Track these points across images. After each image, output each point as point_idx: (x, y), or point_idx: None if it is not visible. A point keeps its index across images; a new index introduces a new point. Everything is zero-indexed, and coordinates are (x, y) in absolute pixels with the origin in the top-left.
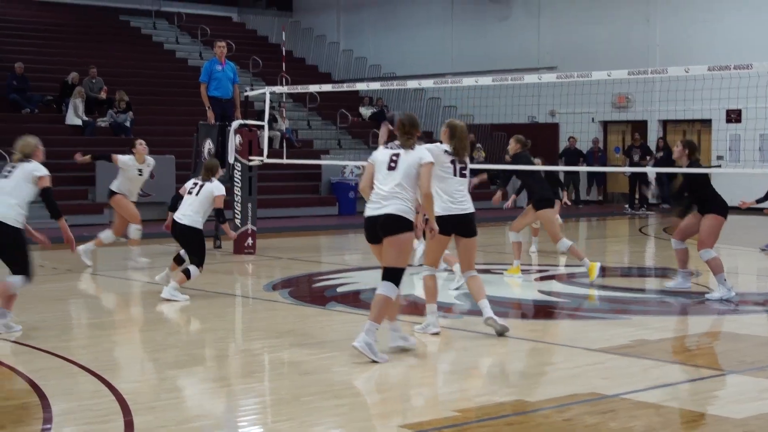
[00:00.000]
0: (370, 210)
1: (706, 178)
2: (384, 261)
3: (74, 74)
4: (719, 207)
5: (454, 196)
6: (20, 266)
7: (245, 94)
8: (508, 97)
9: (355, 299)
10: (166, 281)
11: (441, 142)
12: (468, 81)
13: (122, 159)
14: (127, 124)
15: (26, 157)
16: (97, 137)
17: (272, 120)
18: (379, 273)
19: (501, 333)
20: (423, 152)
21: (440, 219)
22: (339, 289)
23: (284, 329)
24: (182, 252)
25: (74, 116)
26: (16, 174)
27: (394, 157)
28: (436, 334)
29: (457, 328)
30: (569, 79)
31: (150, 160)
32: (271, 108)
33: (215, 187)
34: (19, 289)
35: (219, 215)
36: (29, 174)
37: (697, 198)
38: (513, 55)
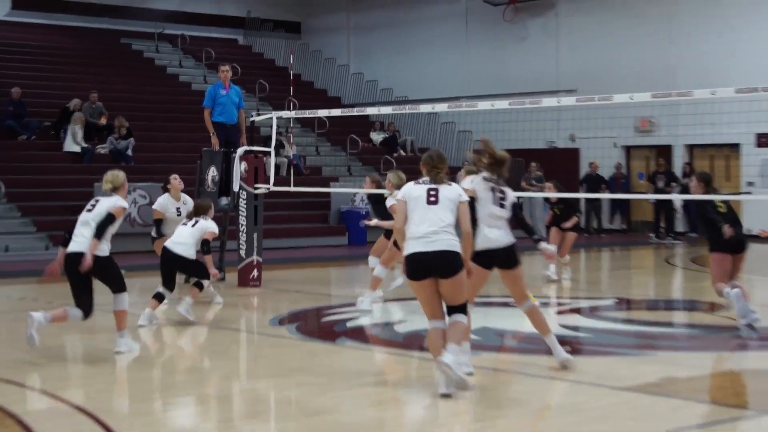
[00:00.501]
0: (419, 246)
1: (706, 210)
2: (448, 300)
3: (76, 101)
4: (716, 243)
5: (493, 227)
6: (117, 285)
7: (251, 119)
8: (526, 121)
9: (366, 334)
10: (150, 320)
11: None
12: (484, 105)
13: (159, 203)
14: (129, 151)
15: (113, 190)
16: (96, 165)
17: (279, 146)
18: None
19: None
20: (460, 189)
21: (479, 253)
22: (349, 324)
23: (291, 366)
24: (161, 289)
25: (73, 143)
26: (100, 208)
27: (432, 192)
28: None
29: (475, 366)
30: (589, 103)
31: (187, 198)
32: (278, 134)
33: (210, 225)
34: (126, 305)
35: (204, 245)
36: (111, 206)
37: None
38: (530, 78)
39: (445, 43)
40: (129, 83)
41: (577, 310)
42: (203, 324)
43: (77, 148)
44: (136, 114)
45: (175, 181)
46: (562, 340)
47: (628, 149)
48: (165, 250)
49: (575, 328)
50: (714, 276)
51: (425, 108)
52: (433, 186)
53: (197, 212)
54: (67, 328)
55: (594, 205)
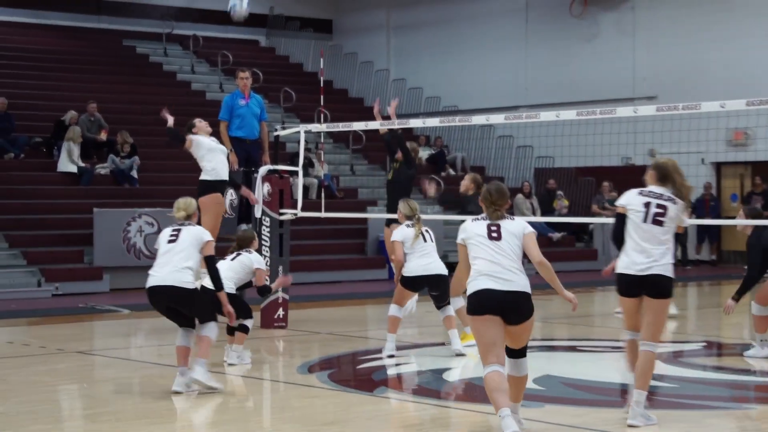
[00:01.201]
0: (487, 282)
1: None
2: (516, 344)
3: (72, 113)
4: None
5: (645, 250)
6: (206, 316)
7: (275, 133)
8: (597, 134)
9: (409, 384)
10: (238, 358)
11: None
12: (547, 115)
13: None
14: (133, 172)
15: (188, 218)
16: (95, 187)
17: (308, 165)
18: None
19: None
20: (524, 222)
21: (623, 277)
22: (390, 372)
23: (323, 420)
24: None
25: (68, 162)
26: (184, 237)
27: (493, 227)
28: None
29: (538, 420)
30: (672, 112)
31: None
32: (307, 150)
33: (255, 259)
34: (215, 333)
35: (264, 290)
36: (198, 239)
37: None
38: (602, 83)
39: (501, 44)
40: (133, 92)
41: (657, 356)
42: (220, 372)
43: (73, 168)
44: (141, 128)
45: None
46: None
47: (719, 166)
48: (203, 288)
49: (655, 377)
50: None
51: (478, 119)
52: (491, 222)
53: (239, 245)
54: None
55: (677, 233)
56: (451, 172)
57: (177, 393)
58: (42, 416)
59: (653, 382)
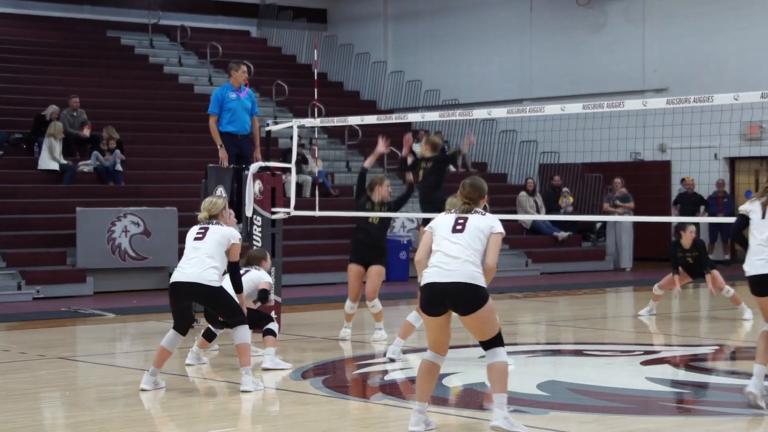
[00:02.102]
0: (434, 276)
1: None
2: (479, 336)
3: (54, 108)
4: None
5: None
6: (233, 314)
7: (267, 128)
8: (605, 128)
9: (408, 389)
10: (197, 359)
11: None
12: (552, 109)
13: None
14: (118, 167)
15: (212, 218)
16: (78, 185)
17: (302, 161)
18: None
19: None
20: (495, 221)
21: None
22: (388, 377)
23: (318, 428)
24: (211, 327)
25: (49, 159)
26: (211, 236)
27: (461, 220)
28: None
29: (542, 427)
30: (684, 105)
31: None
32: (300, 146)
33: (263, 276)
34: (247, 338)
35: (262, 294)
36: (225, 238)
37: None
38: (610, 75)
39: (504, 34)
40: (118, 86)
41: (668, 360)
42: (209, 378)
43: (55, 166)
44: (126, 123)
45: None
46: (648, 399)
47: (733, 161)
48: None
49: (665, 382)
50: None
51: (480, 113)
52: (462, 215)
53: (249, 262)
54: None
55: None
56: (452, 168)
57: (144, 390)
58: (22, 426)
59: (663, 388)
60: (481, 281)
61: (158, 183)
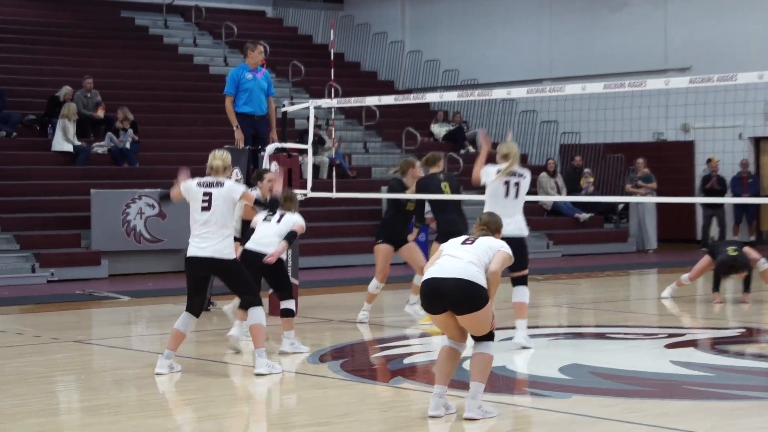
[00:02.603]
0: (433, 272)
1: None
2: (472, 332)
3: (67, 89)
4: None
5: None
6: (244, 290)
7: (283, 109)
8: (626, 108)
9: (427, 373)
10: (239, 337)
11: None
12: (572, 88)
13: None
14: (131, 148)
15: (225, 170)
16: (92, 167)
17: (318, 142)
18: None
19: None
20: (506, 245)
21: None
22: (407, 360)
23: (336, 412)
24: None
25: (63, 141)
26: (217, 204)
27: (472, 238)
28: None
29: (564, 411)
30: (707, 84)
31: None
32: (317, 127)
33: (298, 219)
34: (263, 317)
35: (291, 236)
36: (229, 199)
37: None
38: (632, 55)
39: (524, 13)
40: (132, 66)
41: (692, 343)
42: (227, 361)
43: (69, 147)
44: (140, 104)
45: (270, 183)
46: (672, 382)
47: (757, 141)
48: (246, 252)
49: (690, 365)
50: None
51: (499, 93)
52: (473, 237)
53: (286, 206)
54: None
55: (715, 211)
56: (471, 149)
57: (160, 374)
58: (37, 410)
59: (688, 371)
60: (483, 282)
61: (173, 164)
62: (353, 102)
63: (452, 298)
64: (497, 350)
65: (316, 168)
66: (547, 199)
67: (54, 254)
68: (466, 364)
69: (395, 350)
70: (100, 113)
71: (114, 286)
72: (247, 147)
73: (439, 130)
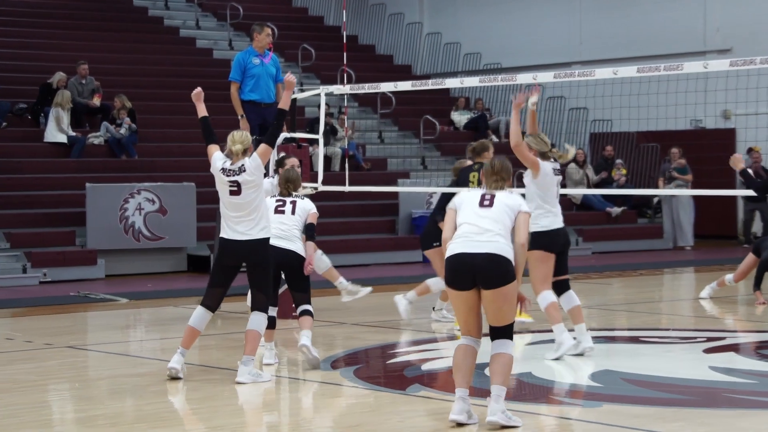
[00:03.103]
0: (461, 246)
1: None
2: (494, 318)
3: (61, 75)
4: None
5: None
6: (260, 288)
7: (292, 96)
8: (662, 93)
9: (447, 380)
10: (274, 358)
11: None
12: (603, 73)
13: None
14: (122, 130)
15: (245, 152)
16: (88, 159)
17: (330, 132)
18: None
19: None
20: (523, 200)
21: None
22: (425, 367)
23: (349, 423)
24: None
25: (56, 131)
26: (247, 191)
27: (488, 196)
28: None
29: (594, 421)
30: (749, 66)
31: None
32: (328, 115)
33: (309, 205)
34: (263, 327)
35: (309, 229)
36: (260, 182)
37: None
38: (668, 36)
39: None
40: (130, 51)
41: (733, 348)
42: (230, 368)
43: (63, 138)
44: (139, 92)
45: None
46: (712, 390)
47: None
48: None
49: (731, 371)
50: None
51: (524, 78)
52: (488, 192)
53: (288, 186)
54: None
55: (758, 206)
56: (494, 138)
57: (175, 375)
58: (29, 421)
59: (729, 378)
60: (512, 256)
61: (175, 156)
62: (367, 88)
63: (484, 274)
64: (529, 357)
65: (328, 159)
66: (576, 192)
67: (47, 253)
68: (487, 370)
69: (413, 356)
70: (96, 101)
71: (111, 288)
72: (254, 137)
73: (459, 118)
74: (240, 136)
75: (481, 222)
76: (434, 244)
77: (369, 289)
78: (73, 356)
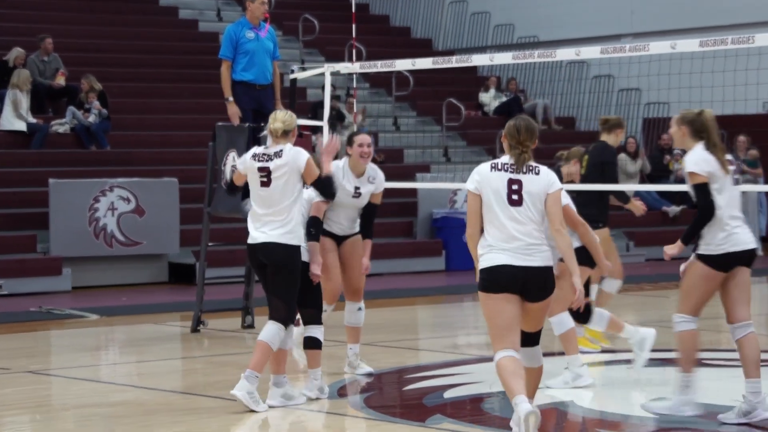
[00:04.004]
0: (505, 258)
1: None
2: (533, 325)
3: (19, 51)
4: None
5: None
6: (286, 305)
7: (292, 76)
8: (728, 72)
9: (475, 410)
10: (316, 390)
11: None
12: (659, 47)
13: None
14: (91, 117)
15: (285, 135)
16: (51, 150)
17: (337, 118)
18: None
19: None
20: (549, 174)
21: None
22: (448, 394)
23: None
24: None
25: (13, 117)
26: (277, 182)
27: (515, 186)
28: None
29: None
30: None
31: (376, 172)
32: (335, 98)
33: (313, 193)
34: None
35: (315, 225)
36: (296, 170)
37: None
38: (735, 3)
39: None
40: (100, 23)
41: None
42: (217, 396)
43: (22, 126)
44: (112, 71)
45: (360, 147)
46: None
47: None
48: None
49: None
50: None
51: (565, 54)
52: (514, 176)
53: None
54: None
55: None
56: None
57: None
58: None
59: None
60: (552, 261)
61: (154, 147)
62: (380, 66)
63: (532, 289)
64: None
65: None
66: (626, 187)
67: (3, 262)
68: None
69: (433, 381)
70: (61, 81)
71: (79, 302)
72: (247, 125)
73: (489, 101)
74: (283, 115)
75: (516, 228)
76: (599, 225)
77: None
78: (34, 383)
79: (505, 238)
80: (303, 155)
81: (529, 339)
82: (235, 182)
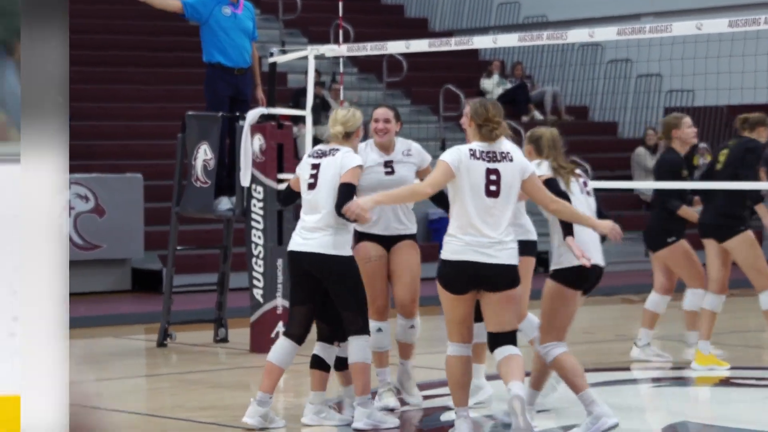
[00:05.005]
0: (470, 254)
1: None
2: (495, 323)
3: None
4: None
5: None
6: (355, 316)
7: (271, 59)
8: (761, 56)
9: None
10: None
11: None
12: (682, 28)
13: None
14: None
15: (346, 137)
16: None
17: (321, 107)
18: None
19: None
20: (520, 160)
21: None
22: (444, 417)
23: None
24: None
25: None
26: (324, 177)
27: (493, 176)
28: None
29: None
30: None
31: (410, 144)
32: (319, 85)
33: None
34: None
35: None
36: (341, 170)
37: None
38: None
39: None
40: None
41: None
42: (187, 419)
43: None
44: (70, 54)
45: (376, 123)
46: None
47: None
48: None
49: None
50: None
51: (577, 36)
52: (491, 166)
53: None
54: None
55: None
56: (537, 114)
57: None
58: None
59: None
60: (516, 259)
61: (117, 139)
62: (370, 49)
63: (495, 283)
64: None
65: (318, 143)
66: (645, 185)
67: None
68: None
69: (429, 402)
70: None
71: None
72: (221, 114)
73: (492, 88)
74: (344, 115)
75: (489, 222)
76: (668, 240)
77: None
78: None
79: (474, 233)
80: (354, 160)
81: (501, 339)
82: (292, 188)
